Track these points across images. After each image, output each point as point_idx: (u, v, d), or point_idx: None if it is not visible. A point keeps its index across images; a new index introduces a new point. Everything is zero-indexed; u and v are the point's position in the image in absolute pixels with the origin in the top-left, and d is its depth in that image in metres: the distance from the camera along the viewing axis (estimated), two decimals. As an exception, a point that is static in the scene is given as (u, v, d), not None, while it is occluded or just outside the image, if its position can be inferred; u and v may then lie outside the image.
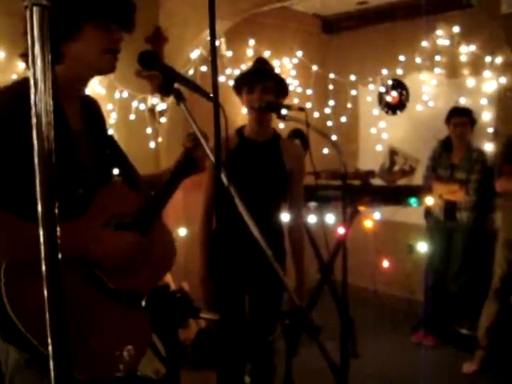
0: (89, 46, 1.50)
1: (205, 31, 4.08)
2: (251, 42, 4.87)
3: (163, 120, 4.18)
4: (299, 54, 5.20)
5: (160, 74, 1.68)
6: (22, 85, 1.45)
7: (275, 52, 5.11)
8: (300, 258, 2.79)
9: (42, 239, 0.70)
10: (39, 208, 0.70)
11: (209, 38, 4.01)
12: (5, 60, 3.66)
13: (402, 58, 4.94)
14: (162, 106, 4.08)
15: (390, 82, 5.18)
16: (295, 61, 5.23)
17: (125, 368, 1.48)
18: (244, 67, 4.82)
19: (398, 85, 5.27)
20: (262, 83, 2.56)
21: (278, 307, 2.76)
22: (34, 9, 0.70)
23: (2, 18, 3.56)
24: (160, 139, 4.23)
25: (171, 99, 4.06)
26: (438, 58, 4.86)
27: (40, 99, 0.70)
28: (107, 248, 1.48)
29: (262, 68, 2.72)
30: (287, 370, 1.85)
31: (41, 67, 0.70)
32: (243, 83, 2.63)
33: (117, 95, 4.09)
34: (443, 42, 4.80)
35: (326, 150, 4.73)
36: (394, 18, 5.18)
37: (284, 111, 2.51)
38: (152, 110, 4.13)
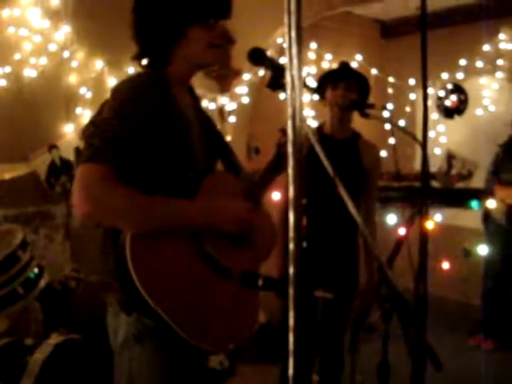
0: (194, 46, 1.59)
1: (276, 32, 4.17)
2: (313, 45, 4.94)
3: (232, 119, 4.28)
4: (359, 57, 5.25)
5: (268, 71, 1.73)
6: (141, 77, 1.55)
7: (336, 56, 5.16)
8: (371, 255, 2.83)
9: (291, 221, 0.78)
10: (290, 192, 0.79)
11: (279, 40, 4.05)
12: (85, 59, 3.81)
13: (462, 62, 4.95)
14: (231, 105, 4.19)
15: (449, 86, 5.20)
16: (355, 64, 5.26)
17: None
18: (306, 70, 4.90)
19: (457, 89, 5.28)
20: (345, 81, 2.63)
21: (350, 302, 2.81)
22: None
23: (83, 21, 3.71)
24: (228, 138, 4.33)
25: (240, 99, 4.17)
26: (500, 62, 4.86)
27: (296, 96, 0.78)
28: (218, 210, 1.54)
29: (345, 67, 2.80)
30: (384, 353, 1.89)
31: (296, 67, 0.78)
32: (327, 80, 2.70)
33: (186, 94, 4.19)
34: (506, 45, 4.81)
35: (383, 153, 4.76)
36: (455, 23, 5.19)
37: (367, 110, 2.56)
38: (221, 109, 4.24)
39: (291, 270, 0.79)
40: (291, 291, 0.80)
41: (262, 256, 1.77)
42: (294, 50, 0.77)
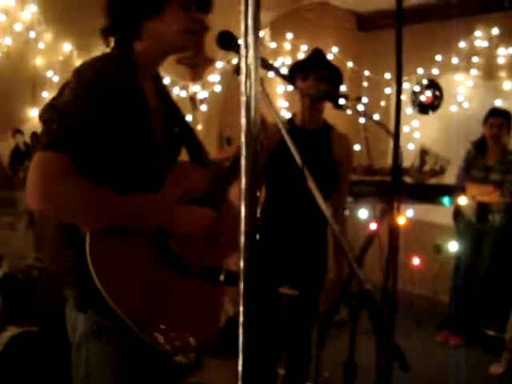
0: (168, 25, 1.51)
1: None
2: (289, 35, 4.88)
3: (204, 108, 4.20)
4: (335, 49, 5.20)
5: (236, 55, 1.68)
6: (107, 59, 1.48)
7: (311, 47, 5.09)
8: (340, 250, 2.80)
9: (243, 213, 0.72)
10: (242, 183, 0.73)
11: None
12: (52, 41, 3.69)
13: (438, 57, 4.96)
14: (203, 93, 4.11)
15: (424, 82, 5.19)
16: (330, 56, 5.22)
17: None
18: (281, 60, 4.84)
19: (433, 85, 5.28)
20: (316, 71, 2.57)
21: (317, 297, 2.77)
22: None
23: (51, 1, 3.60)
24: (199, 127, 4.25)
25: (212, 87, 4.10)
26: (475, 59, 4.88)
27: (251, 85, 0.72)
28: (183, 221, 1.50)
29: (317, 56, 2.74)
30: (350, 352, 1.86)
31: (253, 55, 0.72)
32: (298, 70, 2.64)
33: (158, 81, 4.10)
34: (481, 43, 4.82)
35: (357, 147, 4.74)
36: (432, 18, 5.18)
37: (342, 101, 2.50)
38: (192, 97, 4.15)
39: (241, 264, 0.74)
40: (241, 286, 0.75)
41: (226, 252, 1.71)
42: (251, 39, 0.71)
